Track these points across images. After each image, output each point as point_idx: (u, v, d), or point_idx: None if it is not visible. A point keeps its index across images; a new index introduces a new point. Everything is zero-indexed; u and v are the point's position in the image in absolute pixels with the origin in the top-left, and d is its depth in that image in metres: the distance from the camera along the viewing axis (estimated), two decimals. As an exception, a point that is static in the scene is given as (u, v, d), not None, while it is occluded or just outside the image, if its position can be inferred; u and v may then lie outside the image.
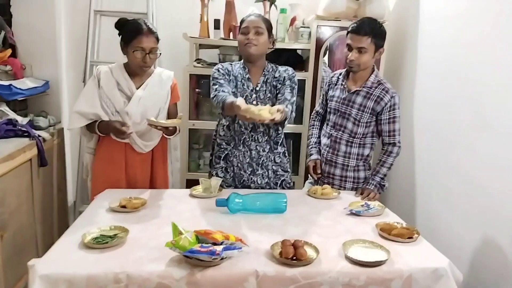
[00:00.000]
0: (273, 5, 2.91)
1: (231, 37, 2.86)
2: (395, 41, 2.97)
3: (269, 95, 2.07)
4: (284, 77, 2.07)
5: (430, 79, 2.55)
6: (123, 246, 1.39)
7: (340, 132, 2.14)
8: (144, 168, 2.13)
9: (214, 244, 1.29)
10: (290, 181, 2.19)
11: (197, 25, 2.88)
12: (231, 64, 2.11)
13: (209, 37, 2.86)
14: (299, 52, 3.07)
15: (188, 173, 3.00)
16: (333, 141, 2.16)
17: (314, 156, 2.23)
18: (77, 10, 3.02)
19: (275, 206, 1.73)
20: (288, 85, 2.05)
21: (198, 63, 2.90)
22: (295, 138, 2.99)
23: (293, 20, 2.93)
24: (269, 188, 2.12)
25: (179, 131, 2.14)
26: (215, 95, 1.95)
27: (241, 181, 2.11)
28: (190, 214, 1.70)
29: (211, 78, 2.04)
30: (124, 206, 1.70)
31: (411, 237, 1.51)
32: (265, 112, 1.69)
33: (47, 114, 2.69)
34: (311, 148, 2.28)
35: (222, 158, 2.12)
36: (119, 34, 2.00)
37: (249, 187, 2.09)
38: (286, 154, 2.18)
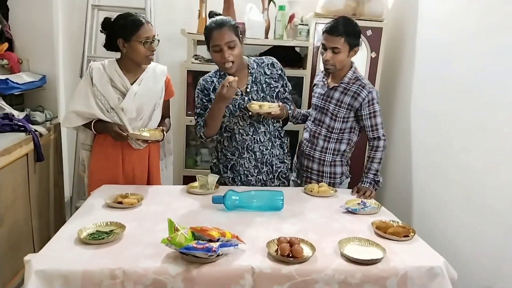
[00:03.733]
0: (271, 2, 2.91)
1: (229, 33, 2.85)
2: (393, 40, 2.97)
3: (262, 94, 2.03)
4: (280, 74, 2.08)
5: (428, 78, 2.55)
6: (119, 242, 1.39)
7: (319, 127, 2.18)
8: (141, 163, 2.12)
9: (210, 241, 1.29)
10: (286, 171, 2.20)
11: (195, 21, 2.88)
12: (211, 77, 2.05)
13: (207, 33, 2.85)
14: (297, 49, 3.07)
15: (185, 169, 2.99)
16: (312, 135, 2.20)
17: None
18: (75, 4, 3.00)
19: (271, 204, 1.73)
20: (284, 83, 2.10)
21: (196, 59, 2.89)
22: (292, 135, 2.99)
23: (291, 17, 2.92)
24: (272, 182, 2.14)
25: (162, 138, 2.05)
26: (196, 126, 2.04)
27: (250, 185, 2.11)
28: (186, 211, 1.70)
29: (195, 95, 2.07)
30: (120, 202, 1.70)
31: (406, 236, 1.52)
32: (265, 107, 1.88)
33: (43, 108, 2.68)
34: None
35: (229, 168, 2.11)
36: (108, 34, 1.98)
37: (254, 185, 2.11)
38: (283, 146, 2.19)
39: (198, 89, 2.05)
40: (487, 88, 1.98)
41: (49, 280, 1.19)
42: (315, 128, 2.20)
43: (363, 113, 2.08)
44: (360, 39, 2.09)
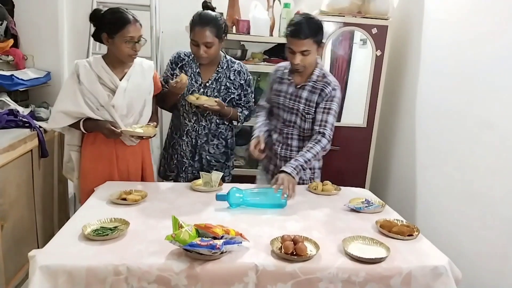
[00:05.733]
0: (276, -1, 2.90)
1: (234, 31, 2.85)
2: (398, 38, 2.96)
3: (216, 94, 2.15)
4: (241, 83, 2.20)
5: (433, 78, 2.54)
6: (123, 239, 1.39)
7: (291, 128, 2.10)
8: (135, 160, 2.10)
9: (214, 238, 1.29)
10: (222, 171, 2.13)
11: (200, 19, 2.87)
12: (185, 55, 2.18)
13: (211, 30, 2.85)
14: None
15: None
16: (285, 137, 2.12)
17: (256, 134, 2.08)
18: (80, 1, 3.00)
19: (275, 201, 1.73)
20: (249, 91, 2.25)
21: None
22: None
23: (296, 15, 2.91)
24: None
25: (154, 135, 2.04)
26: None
27: (183, 168, 2.23)
28: (190, 208, 1.70)
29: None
30: (124, 199, 1.70)
31: (411, 235, 1.51)
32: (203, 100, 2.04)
33: (48, 105, 2.68)
34: (255, 130, 2.12)
35: (171, 145, 2.27)
36: (95, 26, 1.94)
37: (187, 171, 2.23)
38: (221, 147, 2.27)
39: (170, 59, 2.21)
40: (493, 86, 1.97)
41: (53, 276, 1.20)
42: (286, 129, 2.11)
43: (319, 107, 2.00)
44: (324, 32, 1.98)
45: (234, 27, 2.85)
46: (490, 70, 2.00)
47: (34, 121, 2.33)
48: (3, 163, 1.98)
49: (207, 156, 2.24)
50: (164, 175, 2.34)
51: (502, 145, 1.89)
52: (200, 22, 1.98)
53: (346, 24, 2.76)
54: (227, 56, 2.20)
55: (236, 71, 2.18)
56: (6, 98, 2.38)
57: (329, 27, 2.78)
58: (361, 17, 2.77)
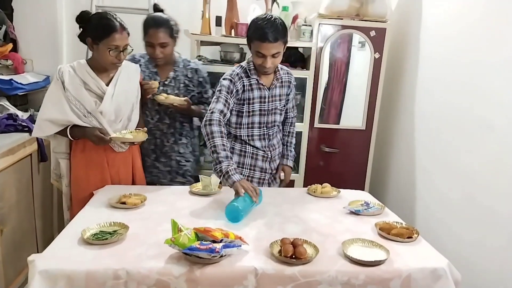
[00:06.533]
0: (275, 2, 2.90)
1: (233, 34, 2.85)
2: (396, 41, 2.97)
3: (176, 91, 2.23)
4: (200, 81, 2.27)
5: (431, 80, 2.55)
6: (123, 243, 1.39)
7: (272, 128, 2.17)
8: (126, 166, 2.07)
9: (214, 241, 1.29)
10: (192, 170, 2.31)
11: (198, 22, 2.87)
12: (142, 57, 2.25)
13: (210, 34, 2.85)
14: (300, 50, 3.06)
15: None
16: (269, 139, 2.16)
17: (238, 177, 1.75)
18: (79, 5, 2.99)
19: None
20: (207, 87, 2.32)
21: (199, 59, 2.89)
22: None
23: (295, 18, 2.92)
24: (170, 177, 2.30)
25: (145, 139, 2.02)
26: None
27: (146, 166, 2.25)
28: (189, 211, 1.70)
29: None
30: (123, 203, 1.70)
31: (410, 237, 1.51)
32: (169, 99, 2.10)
33: (47, 109, 2.68)
34: (230, 166, 1.76)
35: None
36: (81, 28, 1.89)
37: (151, 172, 2.26)
38: (190, 145, 2.31)
39: (128, 58, 2.21)
40: (491, 89, 1.97)
41: (53, 280, 1.20)
42: (269, 131, 2.14)
43: (290, 96, 2.20)
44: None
45: (232, 30, 2.86)
46: (489, 72, 2.00)
47: (34, 125, 2.33)
48: (3, 168, 1.98)
49: (177, 157, 2.28)
50: None
51: (501, 147, 1.89)
52: (154, 24, 2.09)
53: (344, 27, 2.77)
54: (182, 56, 2.31)
55: (193, 69, 2.27)
56: (5, 103, 2.38)
57: (328, 30, 2.78)
58: (359, 20, 2.77)
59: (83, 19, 1.89)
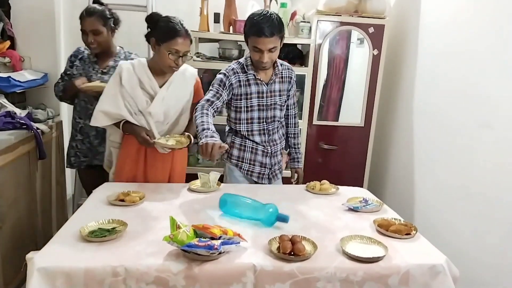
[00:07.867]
0: (273, -1, 2.90)
1: (231, 31, 2.85)
2: (395, 37, 2.96)
3: None
4: None
5: (430, 76, 2.55)
6: (121, 240, 1.39)
7: (274, 123, 2.16)
8: (164, 167, 2.10)
9: (212, 238, 1.30)
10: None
11: (196, 19, 2.87)
12: (85, 49, 2.34)
13: (208, 31, 2.85)
14: (299, 47, 3.06)
15: (188, 167, 2.98)
16: (269, 134, 2.16)
17: (215, 139, 1.71)
18: (77, 2, 2.99)
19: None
20: None
21: (197, 57, 2.89)
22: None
23: (293, 14, 2.92)
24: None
25: (189, 144, 1.99)
26: (56, 84, 2.38)
27: (96, 153, 2.36)
28: (188, 209, 1.70)
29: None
30: (122, 200, 1.70)
31: (408, 234, 1.51)
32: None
33: (45, 106, 2.68)
34: (206, 130, 1.76)
35: (78, 131, 2.38)
36: (149, 28, 1.94)
37: (102, 159, 2.26)
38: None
39: (71, 53, 2.38)
40: (491, 86, 1.98)
41: (51, 278, 1.20)
42: (270, 126, 2.14)
43: (291, 92, 2.21)
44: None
45: (231, 27, 2.85)
46: (487, 69, 2.00)
47: (32, 123, 2.33)
48: (1, 165, 1.97)
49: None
50: (76, 162, 2.43)
51: (500, 144, 1.90)
52: (87, 12, 2.21)
53: (343, 23, 2.77)
54: (124, 49, 2.39)
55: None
56: (3, 100, 2.38)
57: (326, 26, 2.78)
58: (358, 17, 2.77)
59: (152, 20, 1.93)
